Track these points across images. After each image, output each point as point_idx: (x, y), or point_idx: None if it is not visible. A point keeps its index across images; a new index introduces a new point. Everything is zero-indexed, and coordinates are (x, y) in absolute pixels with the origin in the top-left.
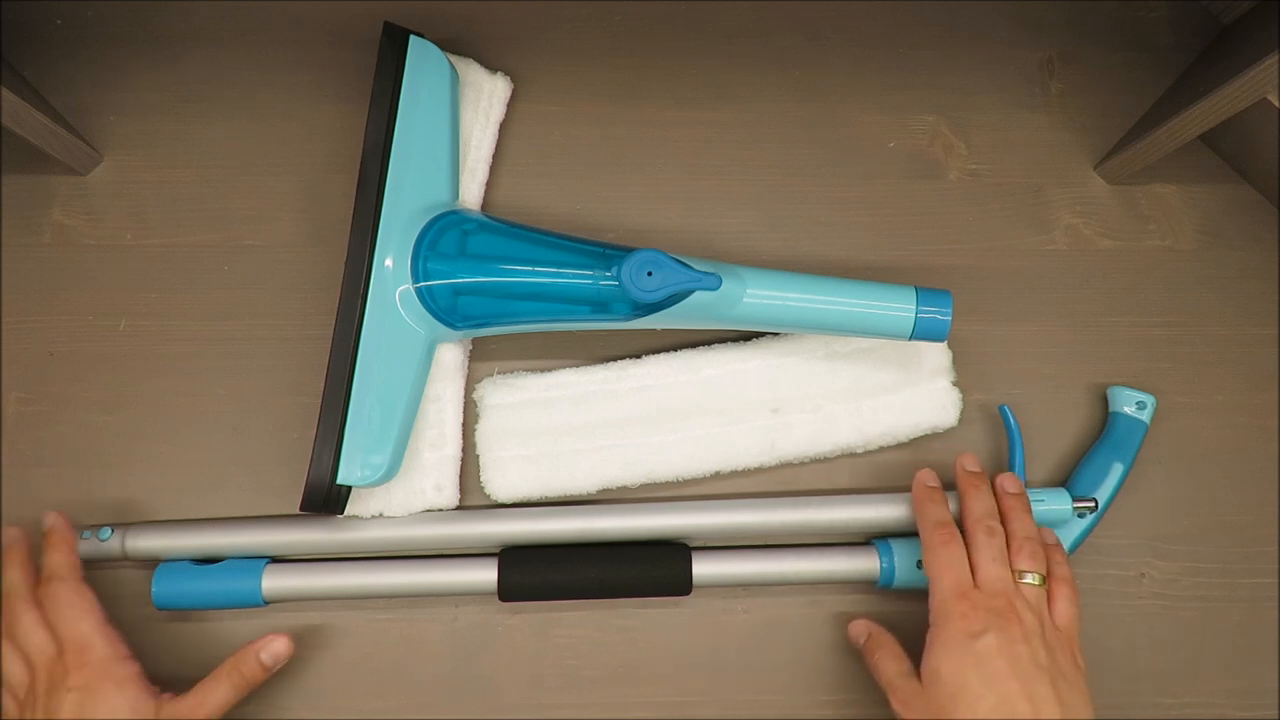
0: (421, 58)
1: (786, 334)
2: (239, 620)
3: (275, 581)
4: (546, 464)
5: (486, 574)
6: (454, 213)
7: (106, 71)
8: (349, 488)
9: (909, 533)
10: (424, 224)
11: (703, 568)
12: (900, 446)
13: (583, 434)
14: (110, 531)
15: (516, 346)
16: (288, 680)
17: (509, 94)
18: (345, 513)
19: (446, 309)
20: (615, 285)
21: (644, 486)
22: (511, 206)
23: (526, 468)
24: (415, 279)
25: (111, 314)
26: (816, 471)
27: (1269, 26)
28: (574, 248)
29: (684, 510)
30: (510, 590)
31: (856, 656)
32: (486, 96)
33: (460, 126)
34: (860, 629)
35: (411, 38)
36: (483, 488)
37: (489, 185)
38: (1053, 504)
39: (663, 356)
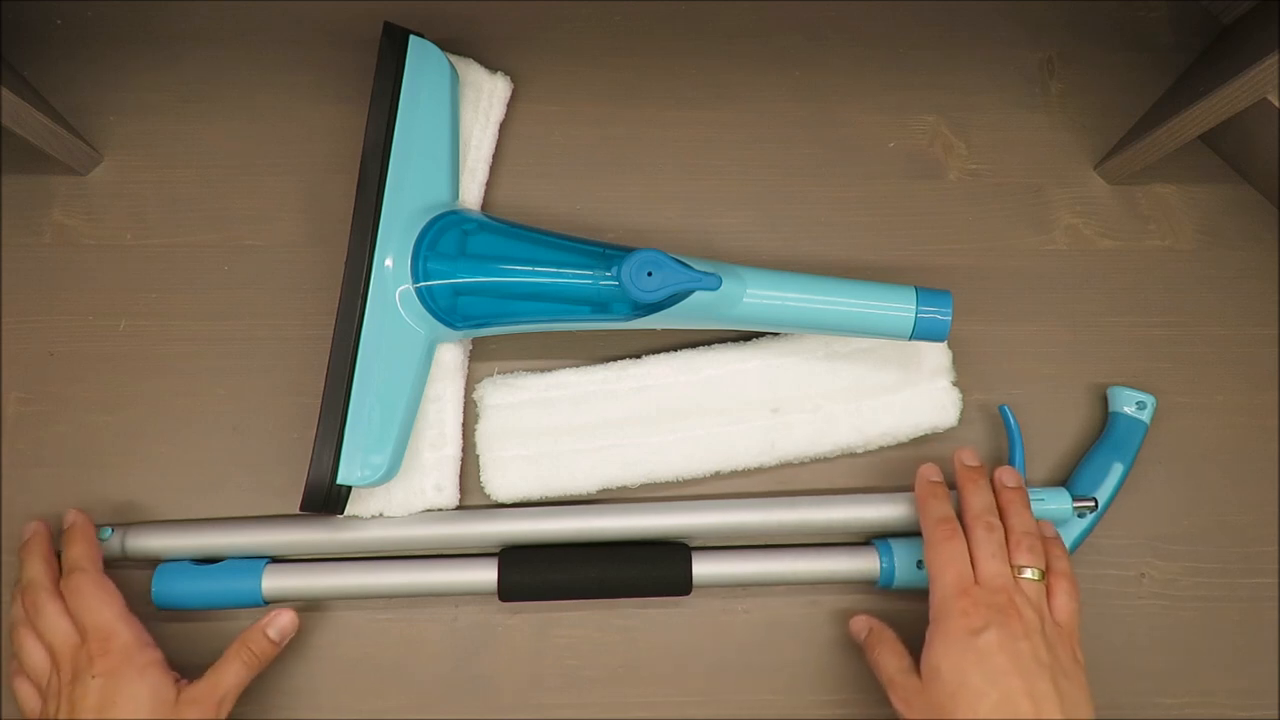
0: (421, 58)
1: (786, 334)
2: (239, 620)
3: (275, 581)
4: (546, 464)
5: (486, 574)
6: (454, 213)
7: (106, 71)
8: (349, 488)
9: (909, 532)
10: (424, 224)
11: (703, 568)
12: (900, 446)
13: (583, 434)
14: (110, 531)
15: (516, 346)
16: (288, 680)
17: (509, 94)
18: (345, 513)
19: (446, 309)
20: (615, 285)
21: (644, 486)
22: (511, 206)
23: (526, 468)
24: (415, 279)
25: (111, 314)
26: (816, 471)
27: (1269, 26)
28: (574, 248)
29: (684, 510)
30: (510, 590)
31: (857, 656)
32: (486, 96)
33: (460, 126)
34: (861, 625)
35: (411, 38)
36: (483, 488)
37: (489, 185)
38: (1053, 504)
39: (663, 356)
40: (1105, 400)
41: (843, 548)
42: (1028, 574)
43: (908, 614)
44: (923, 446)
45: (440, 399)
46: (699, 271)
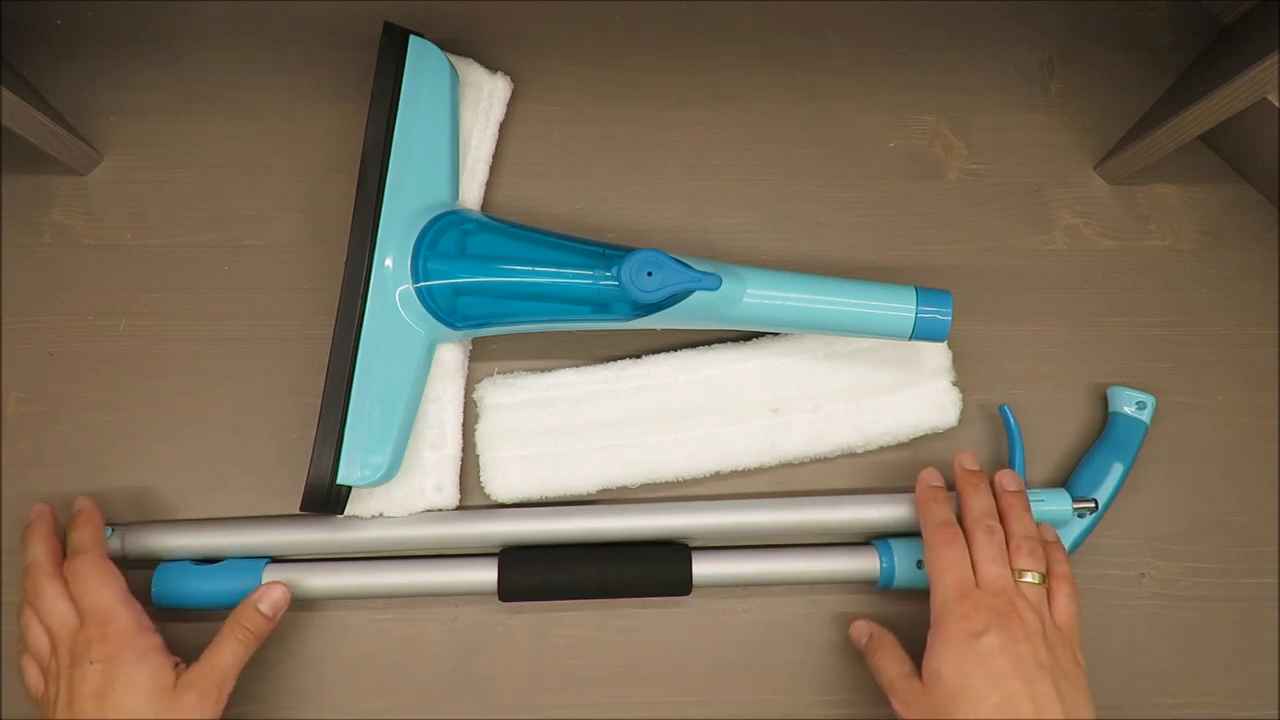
0: (421, 58)
1: (786, 334)
2: None
3: (275, 581)
4: (546, 464)
5: (486, 574)
6: (454, 213)
7: (106, 71)
8: (349, 488)
9: (909, 533)
10: (424, 224)
11: (703, 568)
12: (900, 446)
13: (583, 434)
14: (110, 531)
15: (516, 346)
16: (288, 680)
17: (509, 94)
18: (345, 513)
19: (446, 309)
20: (615, 285)
21: (644, 486)
22: (511, 206)
23: (526, 468)
24: (415, 279)
25: (111, 314)
26: (816, 471)
27: (1269, 26)
28: (574, 248)
29: (684, 510)
30: (510, 590)
31: (857, 657)
32: (486, 96)
33: (460, 126)
34: (861, 630)
35: (411, 38)
36: (483, 488)
37: (489, 185)
38: (1053, 504)
39: (663, 356)
40: (1105, 400)
41: (843, 548)
42: (1028, 577)
43: (908, 614)
44: (923, 446)
45: (440, 399)
46: (699, 271)
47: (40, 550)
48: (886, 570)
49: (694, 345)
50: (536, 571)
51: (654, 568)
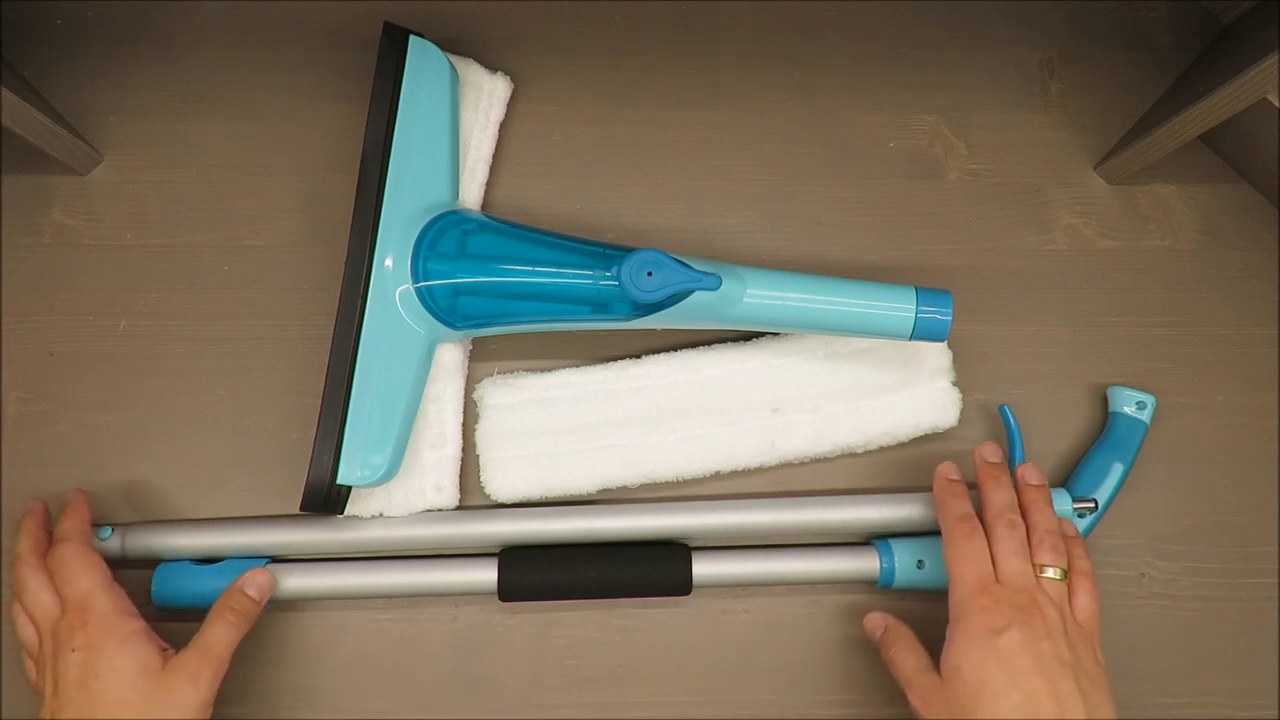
0: (421, 58)
1: (786, 334)
2: None
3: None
4: (546, 464)
5: (486, 574)
6: (454, 213)
7: (106, 71)
8: (349, 488)
9: (909, 532)
10: (424, 224)
11: (703, 568)
12: (900, 446)
13: (583, 434)
14: (110, 531)
15: (516, 346)
16: (288, 680)
17: (509, 94)
18: (345, 513)
19: (446, 309)
20: (615, 285)
21: (644, 486)
22: (511, 206)
23: (526, 468)
24: (415, 279)
25: (111, 314)
26: (816, 471)
27: (1269, 26)
28: (574, 248)
29: (684, 510)
30: (510, 590)
31: (857, 657)
32: (486, 96)
33: (460, 126)
34: (876, 622)
35: (411, 38)
36: (483, 488)
37: (489, 185)
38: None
39: (663, 356)
40: (1105, 400)
41: (843, 548)
42: (1050, 573)
43: (908, 614)
44: (923, 446)
45: (440, 399)
46: (699, 271)
47: (25, 544)
48: (886, 570)
49: (694, 345)
50: (536, 571)
51: (654, 568)
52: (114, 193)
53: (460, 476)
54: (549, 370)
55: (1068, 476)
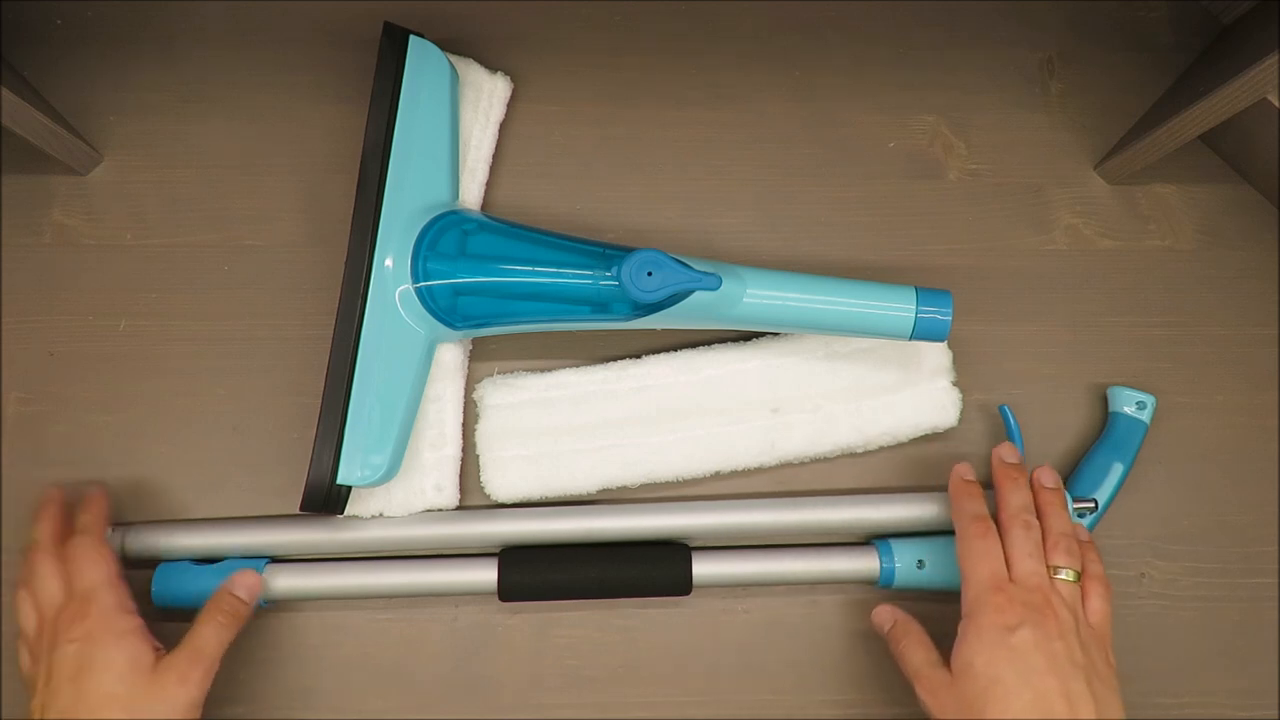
0: (421, 58)
1: (786, 334)
2: None
3: (275, 581)
4: (546, 464)
5: (486, 574)
6: (454, 213)
7: (106, 71)
8: (349, 488)
9: (909, 532)
10: (424, 224)
11: (703, 568)
12: (900, 446)
13: (583, 434)
14: (110, 531)
15: (516, 346)
16: (288, 680)
17: (509, 94)
18: (345, 513)
19: (446, 309)
20: (615, 285)
21: (644, 486)
22: (511, 206)
23: (526, 468)
24: (415, 279)
25: (111, 314)
26: (816, 471)
27: (1269, 26)
28: (574, 248)
29: (684, 510)
30: (510, 590)
31: (858, 656)
32: (486, 96)
33: (460, 126)
34: (885, 616)
35: (411, 38)
36: (483, 488)
37: (489, 185)
38: None
39: (663, 356)
40: (1105, 400)
41: (843, 548)
42: (1063, 575)
43: (909, 614)
44: (923, 446)
45: (440, 399)
46: (699, 271)
47: (43, 530)
48: (886, 570)
49: (694, 345)
50: (536, 571)
51: (654, 568)
52: (114, 193)
53: (460, 476)
54: (549, 370)
55: (1068, 476)
